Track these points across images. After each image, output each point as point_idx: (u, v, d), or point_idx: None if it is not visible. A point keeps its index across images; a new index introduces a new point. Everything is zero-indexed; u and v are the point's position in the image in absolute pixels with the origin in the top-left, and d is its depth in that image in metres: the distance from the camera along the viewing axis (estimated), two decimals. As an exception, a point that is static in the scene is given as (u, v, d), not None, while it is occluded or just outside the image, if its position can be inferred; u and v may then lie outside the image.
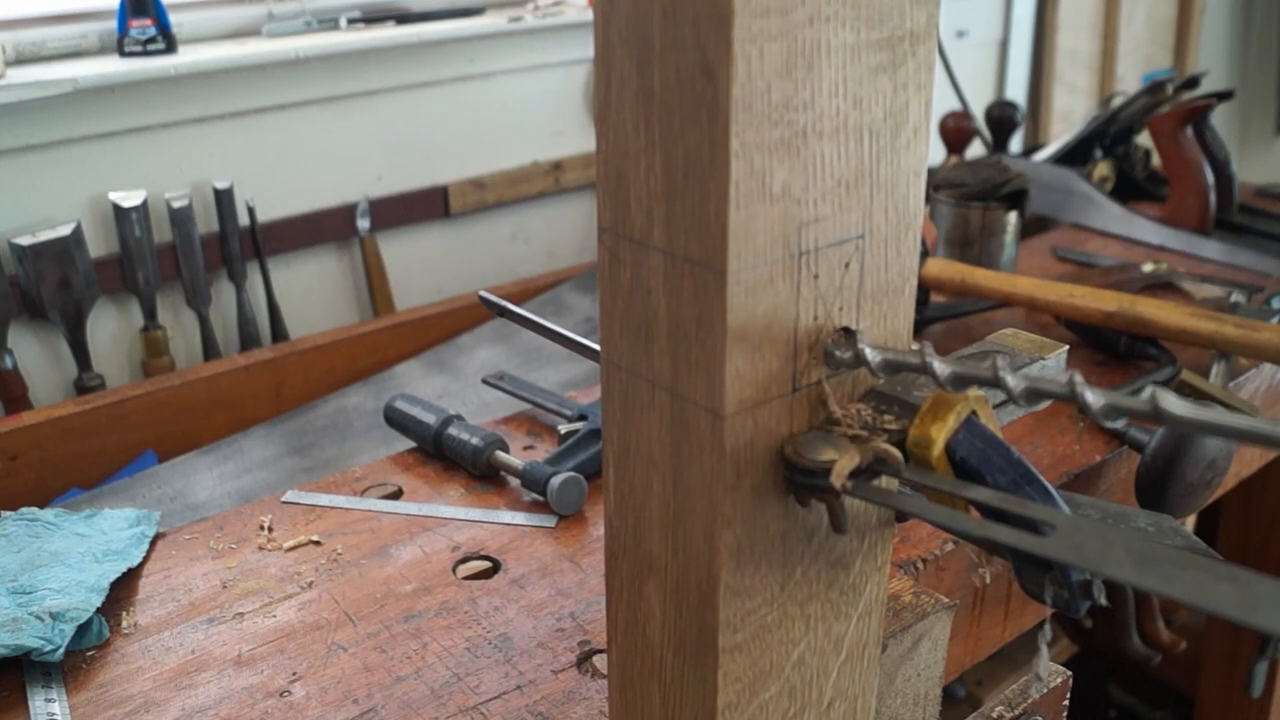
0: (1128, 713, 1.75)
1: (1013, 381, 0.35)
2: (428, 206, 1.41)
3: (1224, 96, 1.32)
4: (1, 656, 0.64)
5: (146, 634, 0.69)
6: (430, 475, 0.88)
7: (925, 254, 1.10)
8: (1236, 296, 1.06)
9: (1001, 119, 1.53)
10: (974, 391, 0.40)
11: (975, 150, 1.65)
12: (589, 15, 1.47)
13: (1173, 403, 0.31)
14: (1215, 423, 0.30)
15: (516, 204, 1.49)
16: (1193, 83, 1.41)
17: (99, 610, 0.69)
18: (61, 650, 0.64)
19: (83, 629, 0.67)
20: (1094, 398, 0.33)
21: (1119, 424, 0.86)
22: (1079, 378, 0.34)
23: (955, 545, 0.74)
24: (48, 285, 1.12)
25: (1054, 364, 0.48)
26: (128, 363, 1.23)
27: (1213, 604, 0.29)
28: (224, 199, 1.23)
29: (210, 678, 0.65)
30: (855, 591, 0.45)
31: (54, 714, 0.62)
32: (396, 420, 0.92)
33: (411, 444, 0.92)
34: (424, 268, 1.43)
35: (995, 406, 0.43)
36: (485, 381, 1.03)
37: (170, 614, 0.71)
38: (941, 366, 0.37)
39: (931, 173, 1.29)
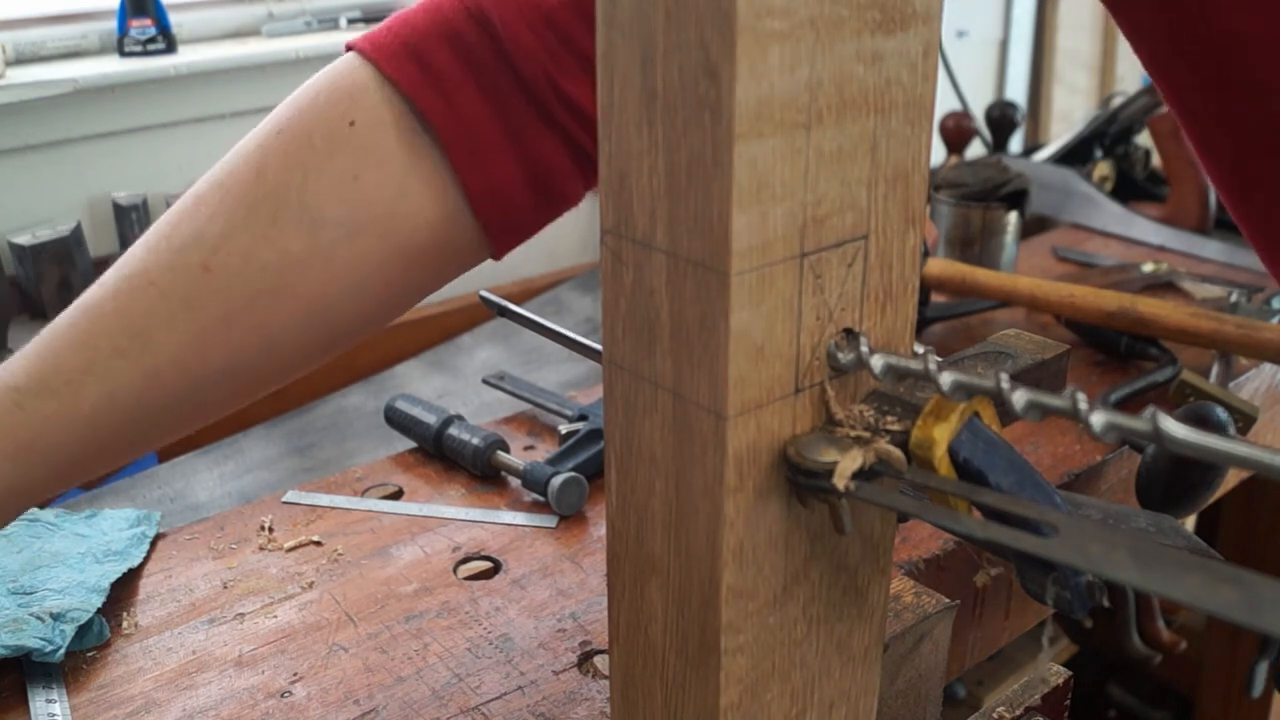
0: (1128, 713, 1.75)
1: (1016, 397, 0.35)
2: (428, 206, 1.40)
3: (1224, 96, 1.32)
4: (2, 657, 0.64)
5: (147, 634, 0.69)
6: (431, 475, 0.88)
7: (926, 254, 1.10)
8: (1236, 296, 1.07)
9: (1001, 119, 1.53)
10: (976, 392, 0.39)
11: (975, 150, 1.65)
12: (589, 15, 1.46)
13: (1173, 426, 0.31)
14: (1215, 448, 0.30)
15: (516, 204, 1.49)
16: (1193, 83, 1.41)
17: (100, 610, 0.69)
18: (62, 651, 0.64)
19: (83, 629, 0.67)
20: (1096, 417, 0.33)
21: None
22: (1081, 395, 0.34)
23: (956, 545, 0.74)
24: (48, 285, 1.12)
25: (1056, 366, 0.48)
26: (128, 363, 1.23)
27: (1216, 606, 0.29)
28: (224, 199, 1.23)
29: (211, 678, 0.65)
30: (857, 592, 0.45)
31: (54, 714, 0.62)
32: (396, 420, 0.92)
33: (412, 444, 0.92)
34: (424, 268, 1.43)
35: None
36: (485, 381, 1.02)
37: (171, 614, 0.71)
38: (945, 376, 0.37)
39: (932, 173, 1.29)
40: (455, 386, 1.19)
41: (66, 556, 0.74)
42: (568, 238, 1.56)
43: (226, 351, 0.57)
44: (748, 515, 0.39)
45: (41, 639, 0.64)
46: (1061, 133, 1.70)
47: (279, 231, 0.56)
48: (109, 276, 0.57)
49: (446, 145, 0.59)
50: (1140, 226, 1.36)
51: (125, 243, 1.16)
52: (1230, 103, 0.63)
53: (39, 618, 0.66)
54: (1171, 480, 0.75)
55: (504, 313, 0.68)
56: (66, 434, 0.55)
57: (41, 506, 0.80)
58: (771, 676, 0.43)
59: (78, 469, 0.57)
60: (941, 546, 0.73)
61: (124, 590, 0.73)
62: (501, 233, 0.63)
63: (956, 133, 1.52)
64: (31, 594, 0.69)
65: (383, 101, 0.58)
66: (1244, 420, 0.90)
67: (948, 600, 0.58)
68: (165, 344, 0.55)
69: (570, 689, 0.63)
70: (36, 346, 0.56)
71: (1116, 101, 1.47)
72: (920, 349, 0.41)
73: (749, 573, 0.40)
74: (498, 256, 0.65)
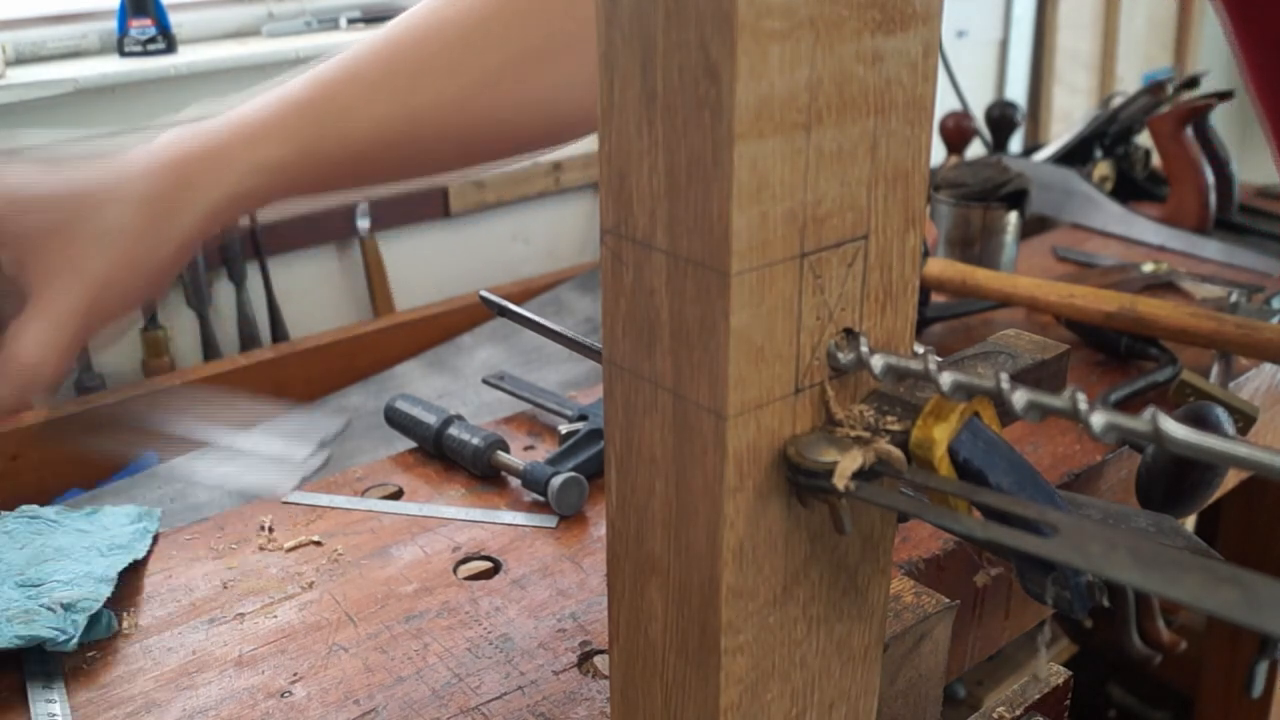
0: (1128, 713, 1.75)
1: (1016, 397, 0.35)
2: (428, 206, 1.41)
3: (1224, 96, 1.32)
4: (16, 648, 0.63)
5: (147, 634, 0.69)
6: (431, 475, 0.88)
7: (926, 254, 1.10)
8: (1236, 296, 1.06)
9: (1001, 119, 1.53)
10: (976, 392, 0.39)
11: (975, 150, 1.65)
12: (589, 15, 1.46)
13: (1173, 426, 0.31)
14: (1215, 448, 0.30)
15: (517, 204, 1.49)
16: (1193, 83, 1.41)
17: (108, 602, 0.69)
18: (75, 640, 0.64)
19: (92, 621, 0.67)
20: (1096, 417, 0.33)
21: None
22: (1081, 395, 0.34)
23: (956, 545, 0.74)
24: (48, 285, 1.12)
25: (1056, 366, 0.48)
26: (128, 363, 1.23)
27: (1215, 606, 0.29)
28: (224, 199, 1.23)
29: (211, 678, 0.65)
30: (858, 592, 0.45)
31: (54, 714, 0.62)
32: (397, 420, 0.92)
33: (412, 444, 0.92)
34: (424, 268, 1.43)
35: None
36: (485, 381, 1.02)
37: (171, 614, 0.71)
38: (945, 376, 0.37)
39: (932, 173, 1.29)
40: (455, 386, 1.19)
41: (71, 551, 0.74)
42: (568, 238, 1.56)
43: (486, 104, 0.63)
44: (748, 515, 0.39)
45: (54, 629, 0.64)
46: (1061, 133, 1.69)
47: (546, 12, 0.63)
48: (405, 19, 0.63)
49: None
50: (1140, 226, 1.36)
51: (125, 243, 1.16)
52: None
53: (49, 608, 0.66)
54: (1171, 480, 0.75)
55: (504, 313, 0.68)
56: (342, 151, 0.61)
57: (41, 504, 0.80)
58: (771, 676, 0.43)
59: (350, 179, 0.64)
60: (941, 546, 0.73)
61: (125, 590, 0.73)
62: None
63: (956, 133, 1.52)
64: (39, 586, 0.69)
65: None
66: (1244, 420, 0.90)
67: (948, 600, 0.58)
68: (463, 76, 0.62)
69: (570, 689, 0.63)
70: (336, 63, 0.63)
71: (1116, 101, 1.47)
72: (920, 349, 0.41)
73: (749, 573, 0.40)
74: None
